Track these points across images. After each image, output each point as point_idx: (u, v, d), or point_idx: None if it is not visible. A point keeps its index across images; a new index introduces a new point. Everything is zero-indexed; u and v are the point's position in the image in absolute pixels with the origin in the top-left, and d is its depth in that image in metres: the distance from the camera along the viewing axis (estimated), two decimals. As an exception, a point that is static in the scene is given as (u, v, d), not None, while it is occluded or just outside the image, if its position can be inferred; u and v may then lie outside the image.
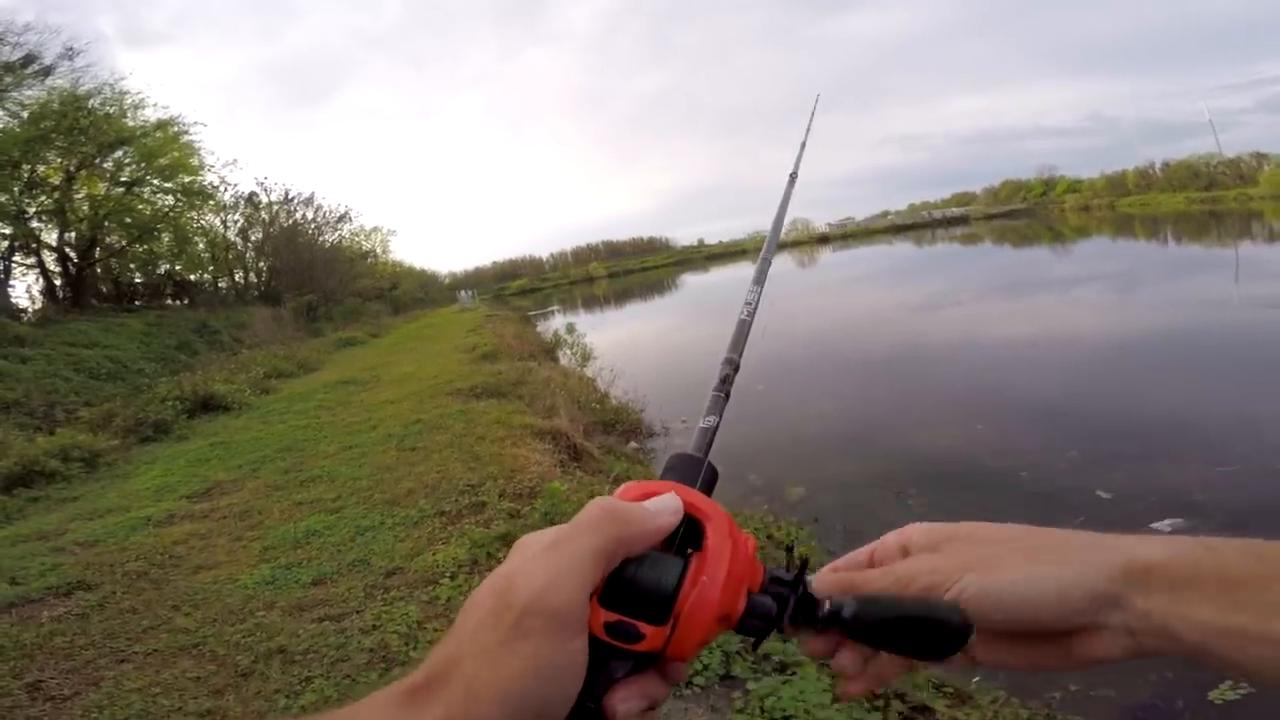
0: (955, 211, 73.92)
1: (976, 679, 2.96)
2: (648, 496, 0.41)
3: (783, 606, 0.42)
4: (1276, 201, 32.86)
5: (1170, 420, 6.20)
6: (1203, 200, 40.19)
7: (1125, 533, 0.44)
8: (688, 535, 0.41)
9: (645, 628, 0.37)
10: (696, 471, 0.47)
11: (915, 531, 0.48)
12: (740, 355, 0.59)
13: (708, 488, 0.47)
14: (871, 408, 8.48)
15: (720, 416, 0.53)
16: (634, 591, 0.38)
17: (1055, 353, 9.65)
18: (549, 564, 0.35)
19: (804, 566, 0.44)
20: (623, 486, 0.43)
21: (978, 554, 0.44)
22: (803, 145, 0.97)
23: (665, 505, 0.40)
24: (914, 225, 72.03)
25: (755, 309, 0.64)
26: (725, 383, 0.56)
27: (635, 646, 0.37)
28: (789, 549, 0.45)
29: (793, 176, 0.89)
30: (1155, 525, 4.33)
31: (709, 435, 0.52)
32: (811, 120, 1.05)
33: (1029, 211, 61.46)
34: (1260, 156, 41.18)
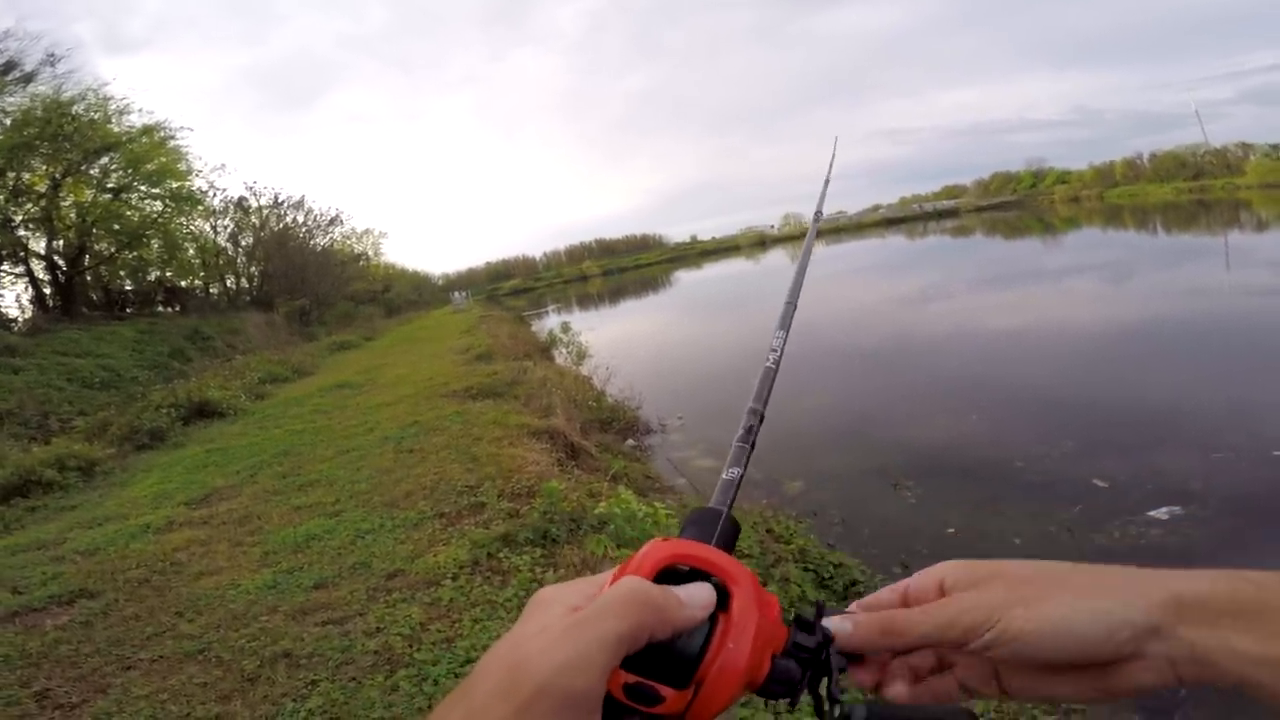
0: (946, 204, 74.30)
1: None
2: (673, 559, 0.41)
3: (806, 669, 0.41)
4: (1264, 191, 33.11)
5: (1164, 409, 6.26)
6: (1191, 190, 40.46)
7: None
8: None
9: (666, 691, 0.37)
10: (723, 530, 0.46)
11: (952, 568, 0.46)
12: (765, 405, 0.57)
13: (730, 541, 0.46)
14: (867, 400, 8.53)
15: (744, 469, 0.51)
16: (656, 654, 0.37)
17: (1048, 343, 9.72)
18: (569, 645, 0.34)
19: (827, 637, 0.43)
20: (650, 544, 0.43)
21: (1020, 590, 0.43)
22: (825, 183, 0.97)
23: (698, 599, 0.39)
24: (905, 218, 72.20)
25: (781, 356, 0.61)
26: (750, 434, 0.54)
27: (655, 709, 0.36)
28: (817, 608, 0.44)
29: (817, 215, 0.88)
30: (1152, 513, 4.38)
31: (732, 489, 0.50)
32: (833, 161, 1.04)
33: (1019, 203, 61.77)
34: (1246, 146, 41.55)
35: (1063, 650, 0.41)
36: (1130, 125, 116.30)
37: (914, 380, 9.03)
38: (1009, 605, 0.42)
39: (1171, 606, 0.40)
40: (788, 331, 0.63)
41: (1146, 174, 48.50)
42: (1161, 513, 4.37)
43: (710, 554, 0.42)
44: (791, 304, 0.68)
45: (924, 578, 0.47)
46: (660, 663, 0.37)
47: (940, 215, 67.95)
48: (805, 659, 0.41)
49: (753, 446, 0.54)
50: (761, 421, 0.56)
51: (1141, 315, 10.71)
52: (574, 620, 0.35)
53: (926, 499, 5.30)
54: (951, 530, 4.72)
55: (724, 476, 0.51)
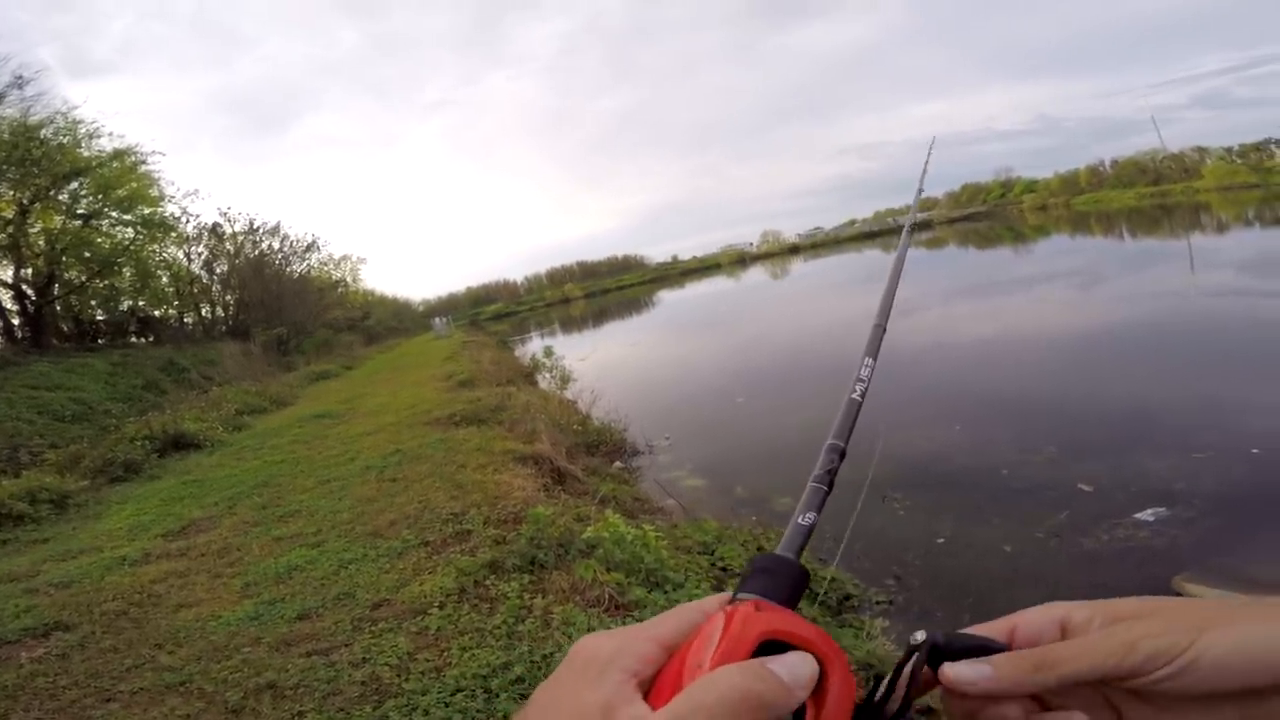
0: (920, 217, 75.64)
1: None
2: (771, 635, 0.37)
3: None
4: (1221, 193, 34.14)
5: (1142, 411, 6.35)
6: (1152, 195, 41.63)
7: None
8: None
9: None
10: (795, 585, 0.41)
11: (1075, 607, 0.41)
12: (847, 442, 0.51)
13: (799, 596, 0.42)
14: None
15: (819, 512, 0.46)
16: None
17: (1026, 351, 9.87)
18: None
19: (908, 698, 0.40)
20: (741, 613, 0.38)
21: (1192, 616, 0.38)
22: (919, 191, 0.93)
23: (800, 677, 0.35)
24: (881, 232, 73.45)
25: (868, 387, 0.54)
26: (830, 474, 0.49)
27: None
28: (876, 679, 0.41)
29: (910, 225, 0.81)
30: (1138, 515, 4.42)
31: (804, 535, 0.44)
32: (927, 164, 0.98)
33: (989, 213, 63.09)
34: (1202, 150, 42.97)
35: (1259, 673, 0.37)
36: (1091, 132, 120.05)
37: (895, 393, 9.09)
38: (1204, 627, 0.37)
39: None
40: (875, 359, 0.56)
41: (1109, 180, 49.84)
42: (1147, 514, 4.41)
43: (807, 630, 0.37)
44: (880, 327, 0.60)
45: (1035, 618, 0.42)
46: None
47: (915, 228, 69.12)
48: None
49: (831, 488, 0.48)
50: (843, 459, 0.50)
51: (1115, 319, 10.92)
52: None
53: (915, 510, 5.31)
54: (941, 540, 4.73)
55: (798, 520, 0.45)
